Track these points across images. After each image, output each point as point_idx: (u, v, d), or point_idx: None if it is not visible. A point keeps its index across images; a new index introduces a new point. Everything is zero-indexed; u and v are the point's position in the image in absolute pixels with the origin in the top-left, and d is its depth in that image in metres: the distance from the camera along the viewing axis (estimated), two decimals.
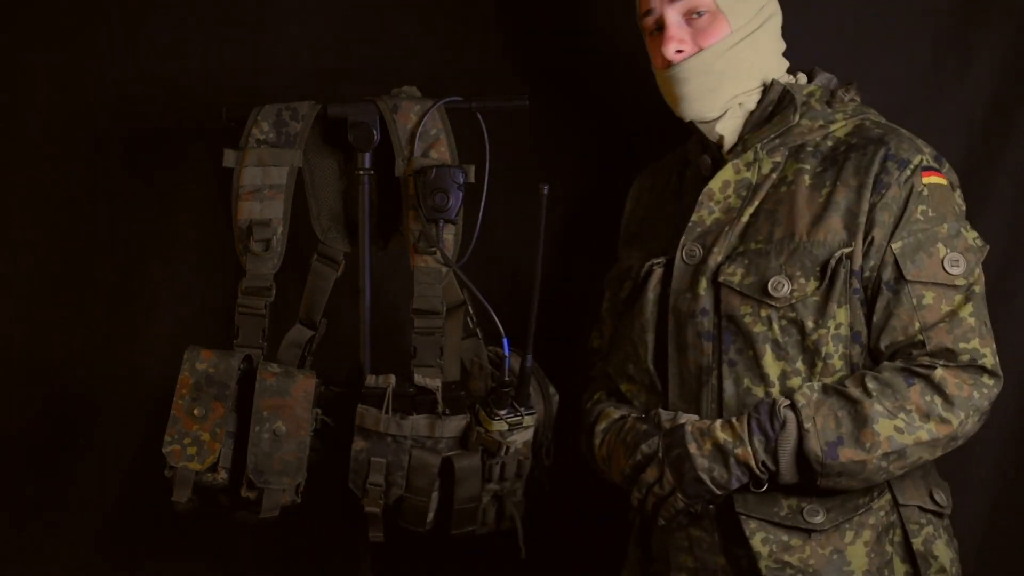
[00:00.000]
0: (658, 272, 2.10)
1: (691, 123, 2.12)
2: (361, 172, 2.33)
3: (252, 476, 2.15)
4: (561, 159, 2.48)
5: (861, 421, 1.92)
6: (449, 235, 2.28)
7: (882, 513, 2.01)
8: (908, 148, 2.03)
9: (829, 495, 1.98)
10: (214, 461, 2.15)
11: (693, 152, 2.17)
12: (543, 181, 2.05)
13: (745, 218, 2.05)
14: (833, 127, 2.08)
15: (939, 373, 1.94)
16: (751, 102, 2.10)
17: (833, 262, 1.98)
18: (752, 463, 1.96)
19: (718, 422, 1.99)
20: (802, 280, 1.99)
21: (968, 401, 1.94)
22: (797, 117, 2.07)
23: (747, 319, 2.00)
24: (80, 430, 2.54)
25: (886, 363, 1.98)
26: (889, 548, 2.01)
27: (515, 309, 2.17)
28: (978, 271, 2.01)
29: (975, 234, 2.03)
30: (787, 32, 2.21)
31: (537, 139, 2.48)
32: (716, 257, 2.04)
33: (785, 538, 1.98)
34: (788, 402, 1.96)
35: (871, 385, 1.94)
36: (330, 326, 2.39)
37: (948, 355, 1.96)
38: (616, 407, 2.16)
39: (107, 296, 2.54)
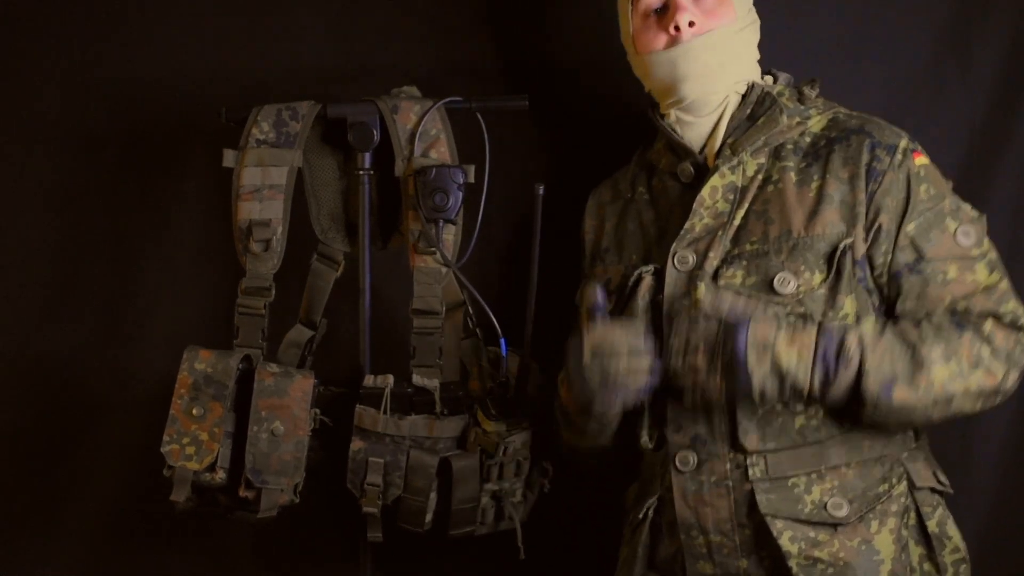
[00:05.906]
0: (648, 279, 2.08)
1: (670, 129, 2.11)
2: (361, 172, 2.33)
3: (250, 476, 2.16)
4: (561, 159, 2.48)
5: (917, 364, 1.93)
6: (449, 235, 2.28)
7: (902, 499, 2.02)
8: (890, 134, 2.05)
9: (849, 487, 1.99)
10: (212, 461, 2.15)
11: (664, 160, 2.16)
12: (538, 182, 2.05)
13: (737, 221, 2.06)
14: (809, 123, 2.09)
15: (989, 325, 1.97)
16: (736, 100, 2.10)
17: (838, 254, 1.99)
18: (805, 393, 1.94)
19: (783, 336, 1.93)
20: (807, 275, 1.99)
21: (1011, 355, 1.97)
22: (784, 118, 2.07)
23: None
24: (80, 430, 2.53)
25: (938, 312, 1.98)
26: (905, 532, 2.02)
27: (514, 309, 2.17)
28: (986, 240, 2.03)
29: (969, 205, 2.05)
30: (788, 33, 2.21)
31: (537, 139, 2.48)
32: (712, 262, 2.03)
33: (812, 534, 1.98)
34: (857, 339, 1.93)
35: (926, 330, 1.95)
36: (330, 326, 2.39)
37: (993, 316, 1.98)
38: None
39: (107, 296, 2.54)
